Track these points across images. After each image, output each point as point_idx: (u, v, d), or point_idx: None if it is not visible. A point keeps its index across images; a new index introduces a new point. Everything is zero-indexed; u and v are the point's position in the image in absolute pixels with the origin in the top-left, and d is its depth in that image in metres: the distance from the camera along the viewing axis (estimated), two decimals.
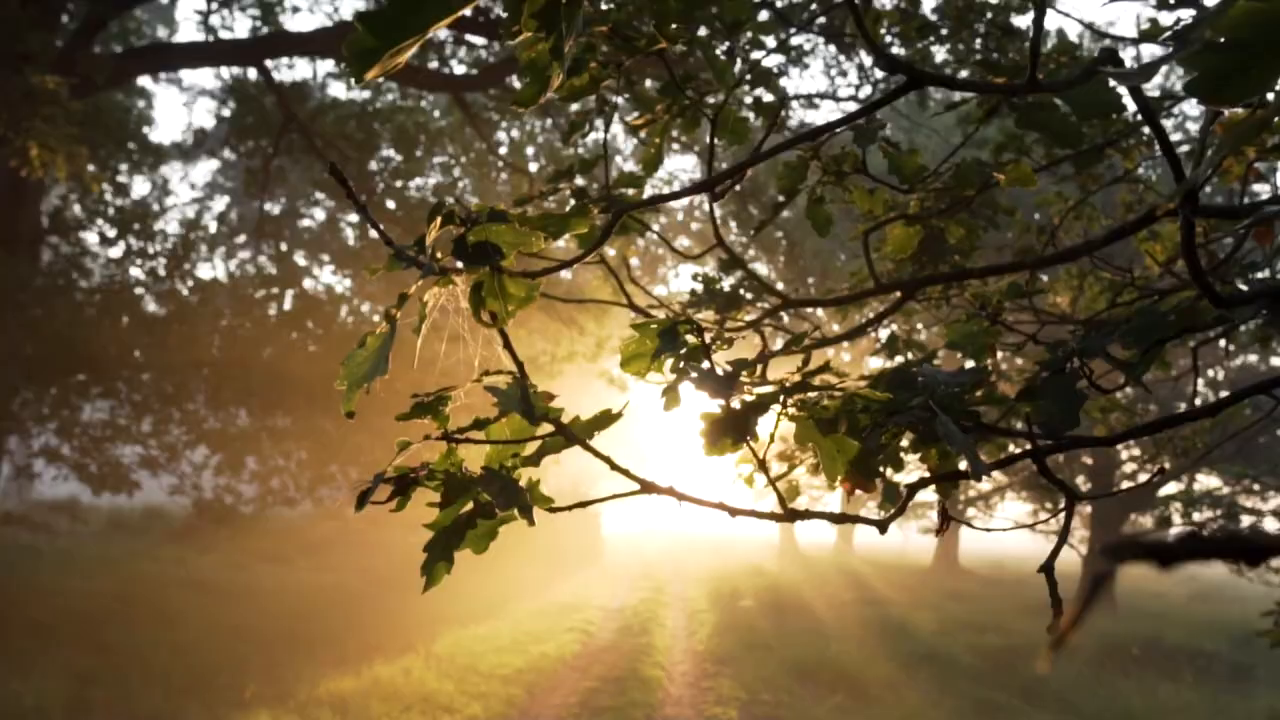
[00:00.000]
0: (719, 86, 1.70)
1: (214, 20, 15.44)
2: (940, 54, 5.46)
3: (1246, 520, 18.97)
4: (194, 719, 7.60)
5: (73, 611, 10.32)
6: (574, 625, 14.15)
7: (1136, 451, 20.89)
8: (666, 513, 65.81)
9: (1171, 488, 20.78)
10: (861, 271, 2.57)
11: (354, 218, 22.32)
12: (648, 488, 1.11)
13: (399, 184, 19.18)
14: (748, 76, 1.89)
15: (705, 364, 1.09)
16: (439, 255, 1.06)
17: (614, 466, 1.13)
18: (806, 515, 1.17)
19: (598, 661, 11.47)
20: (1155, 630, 14.74)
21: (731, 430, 1.06)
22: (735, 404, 1.04)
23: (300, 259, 21.89)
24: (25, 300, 10.22)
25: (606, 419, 1.13)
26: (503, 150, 18.76)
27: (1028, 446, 1.14)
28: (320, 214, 24.25)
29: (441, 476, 1.10)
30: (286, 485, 13.85)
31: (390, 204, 19.04)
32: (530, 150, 19.45)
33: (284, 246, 18.86)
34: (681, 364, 1.11)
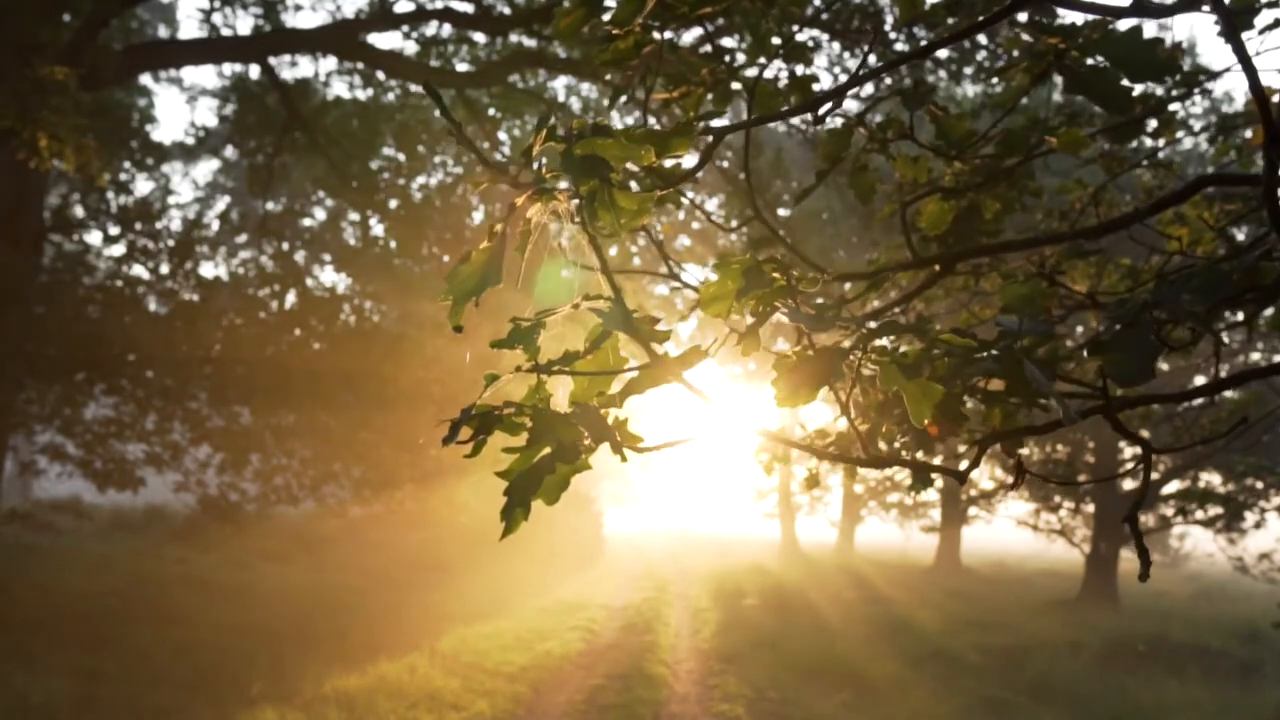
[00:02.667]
0: (752, 61, 1.68)
1: (216, 18, 15.40)
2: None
3: (1250, 518, 18.95)
4: (200, 716, 7.56)
5: (77, 610, 10.29)
6: (578, 623, 14.11)
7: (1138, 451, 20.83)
8: (666, 513, 65.68)
9: (1174, 486, 20.76)
10: (892, 250, 2.55)
11: (354, 216, 22.30)
12: (731, 421, 1.08)
13: (401, 182, 19.15)
14: (780, 51, 1.86)
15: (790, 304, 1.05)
16: (542, 170, 1.03)
17: (704, 399, 1.09)
18: (894, 462, 1.14)
19: (602, 659, 11.44)
20: (1160, 628, 14.72)
21: (814, 375, 1.03)
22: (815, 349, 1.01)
23: (301, 258, 21.87)
24: (29, 297, 10.19)
25: (695, 355, 1.10)
26: (504, 150, 18.73)
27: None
28: (321, 213, 24.25)
29: (530, 412, 1.07)
30: (290, 483, 13.82)
31: (393, 203, 19.02)
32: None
33: (284, 246, 18.83)
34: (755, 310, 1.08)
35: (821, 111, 1.40)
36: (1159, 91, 2.36)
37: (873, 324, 1.03)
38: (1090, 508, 22.24)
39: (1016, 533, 28.38)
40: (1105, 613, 17.92)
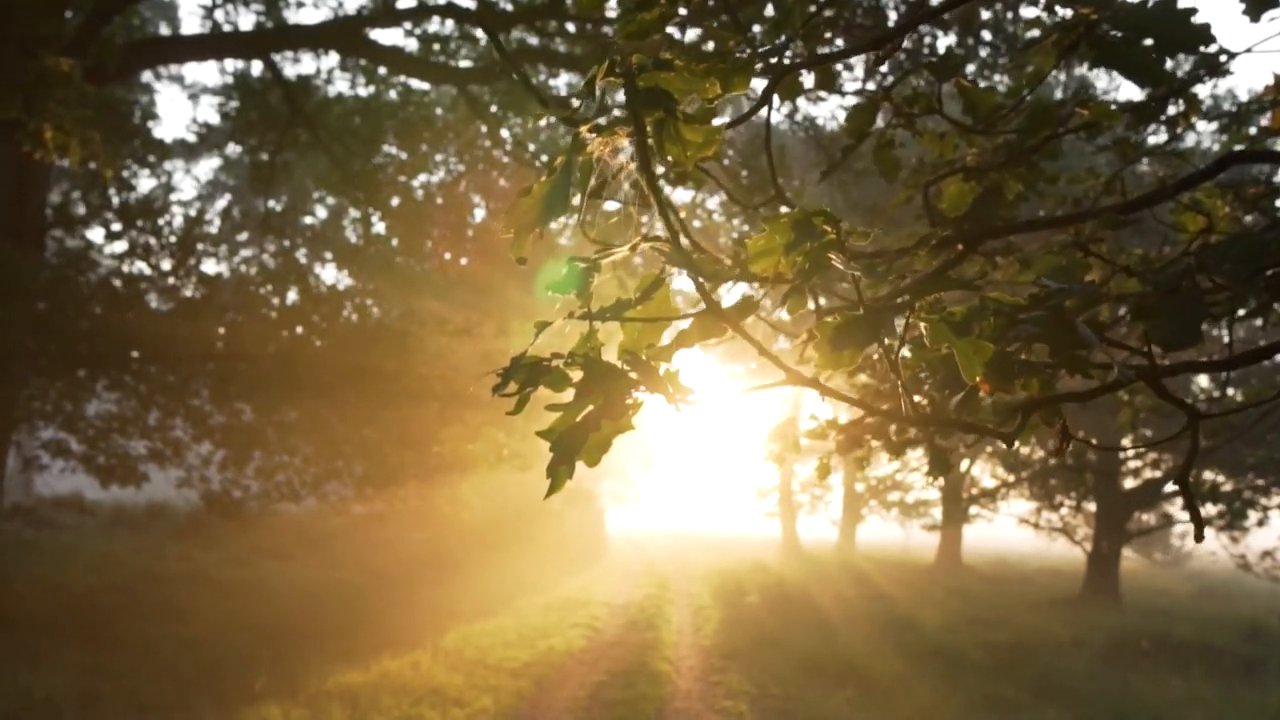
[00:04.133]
0: (770, 40, 1.66)
1: (218, 15, 15.37)
2: None
3: (1253, 515, 18.92)
4: (204, 711, 7.55)
5: (80, 607, 10.28)
6: (580, 621, 14.10)
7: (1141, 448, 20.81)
8: (667, 511, 65.71)
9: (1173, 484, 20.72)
10: (903, 240, 2.53)
11: (356, 214, 22.28)
12: (793, 377, 1.06)
13: (402, 179, 19.13)
14: (801, 30, 1.84)
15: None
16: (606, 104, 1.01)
17: (762, 351, 1.08)
18: (939, 421, 1.12)
19: (605, 656, 11.43)
20: (1163, 626, 14.70)
21: (862, 333, 1.02)
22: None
23: (302, 256, 21.85)
24: (31, 293, 10.18)
25: (749, 305, 1.08)
26: (506, 147, 18.71)
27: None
28: (323, 212, 24.23)
29: (581, 361, 1.05)
30: (292, 481, 13.81)
31: (395, 200, 19.00)
32: (532, 147, 19.39)
33: (286, 244, 18.81)
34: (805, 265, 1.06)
35: (882, 53, 1.38)
36: (1179, 74, 2.34)
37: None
38: (1091, 506, 22.24)
39: (1018, 531, 28.36)
40: (1107, 611, 17.90)
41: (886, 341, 0.99)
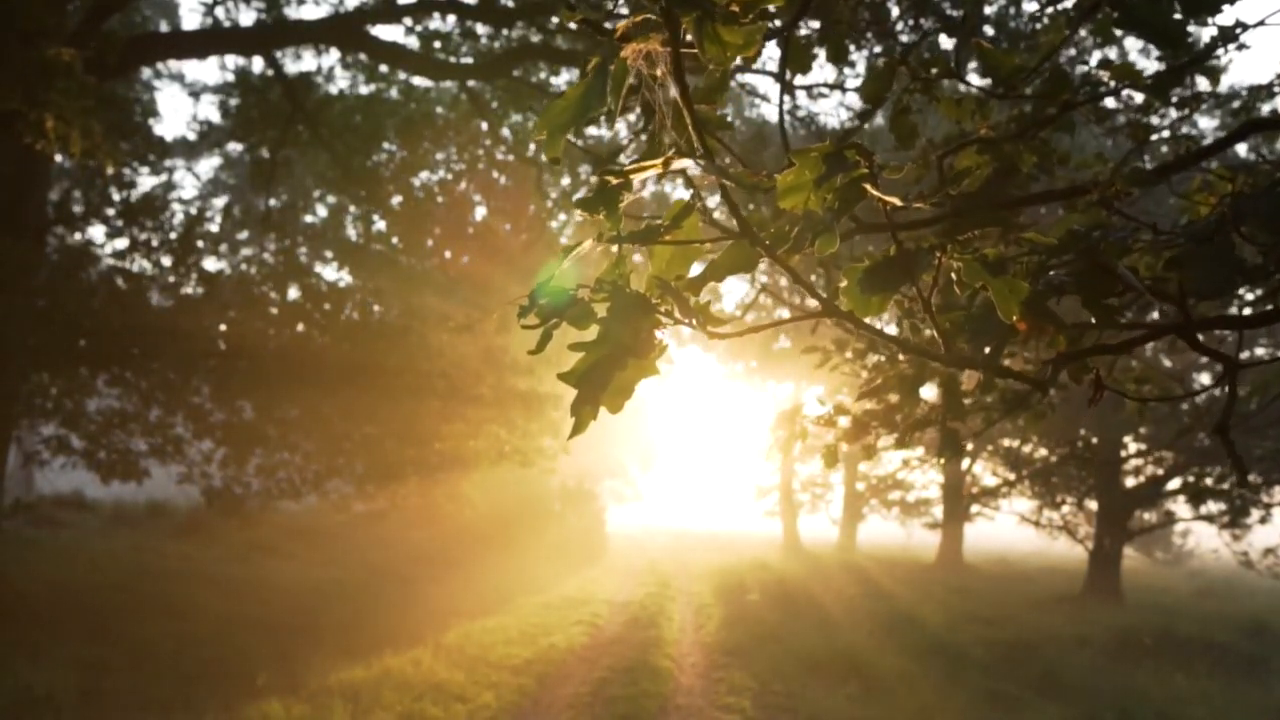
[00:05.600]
0: (785, 13, 1.63)
1: (219, 12, 15.35)
2: None
3: (1255, 513, 18.90)
4: (205, 707, 7.52)
5: (81, 603, 10.25)
6: (581, 618, 14.08)
7: (1143, 445, 20.83)
8: (668, 511, 65.71)
9: (1175, 483, 20.73)
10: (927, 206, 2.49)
11: (355, 212, 22.27)
12: (828, 310, 1.04)
13: (404, 178, 19.11)
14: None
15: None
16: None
17: (797, 278, 1.05)
18: (968, 363, 1.09)
19: (607, 653, 11.40)
20: (1165, 623, 14.67)
21: (894, 273, 0.99)
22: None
23: (303, 255, 21.84)
24: (32, 289, 10.16)
25: (783, 237, 1.05)
26: (506, 148, 18.70)
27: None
28: (323, 210, 24.22)
29: (609, 289, 1.02)
30: (293, 478, 13.78)
31: (396, 199, 18.99)
32: (532, 147, 19.39)
33: (286, 242, 18.79)
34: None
35: None
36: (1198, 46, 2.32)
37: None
38: (1093, 504, 22.22)
39: (1019, 530, 28.34)
40: (1109, 608, 17.88)
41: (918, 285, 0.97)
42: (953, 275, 1.01)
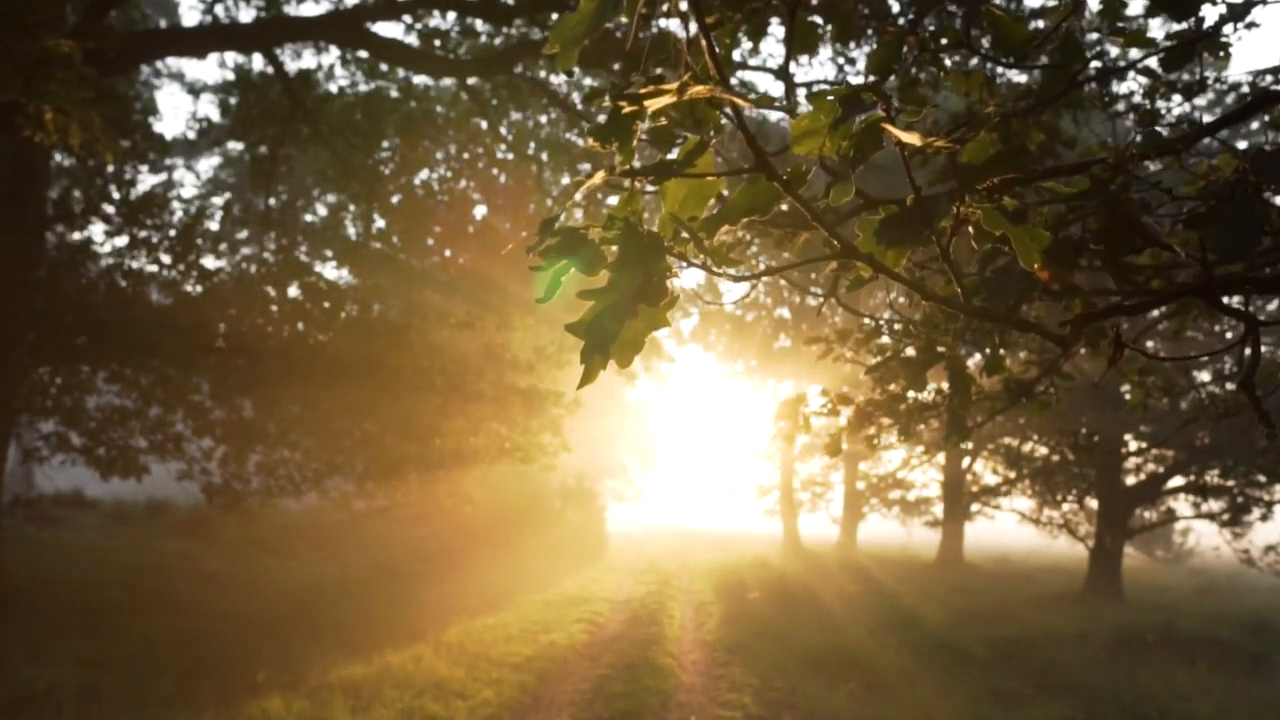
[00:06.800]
0: None
1: (218, 10, 15.32)
2: None
3: (1256, 511, 18.89)
4: (205, 704, 7.50)
5: (81, 601, 10.24)
6: (582, 616, 14.07)
7: (1144, 444, 20.81)
8: (668, 510, 65.68)
9: (1176, 480, 20.72)
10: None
11: (355, 211, 22.23)
12: (848, 251, 1.01)
13: (404, 179, 19.08)
14: None
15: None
16: None
17: (814, 218, 1.02)
18: (990, 315, 1.07)
19: (608, 650, 11.38)
20: (1167, 620, 14.65)
21: (913, 223, 0.97)
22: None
23: (303, 254, 21.81)
24: (31, 285, 10.14)
25: (802, 176, 1.03)
26: (505, 145, 18.67)
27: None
28: (323, 209, 24.19)
29: (620, 226, 0.99)
30: (293, 475, 13.76)
31: (396, 198, 18.96)
32: (533, 145, 19.36)
33: (284, 241, 18.78)
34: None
35: None
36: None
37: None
38: (1093, 503, 22.21)
39: (1019, 529, 28.32)
40: (1110, 606, 17.87)
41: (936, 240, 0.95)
42: (970, 230, 1.00)
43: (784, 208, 1.33)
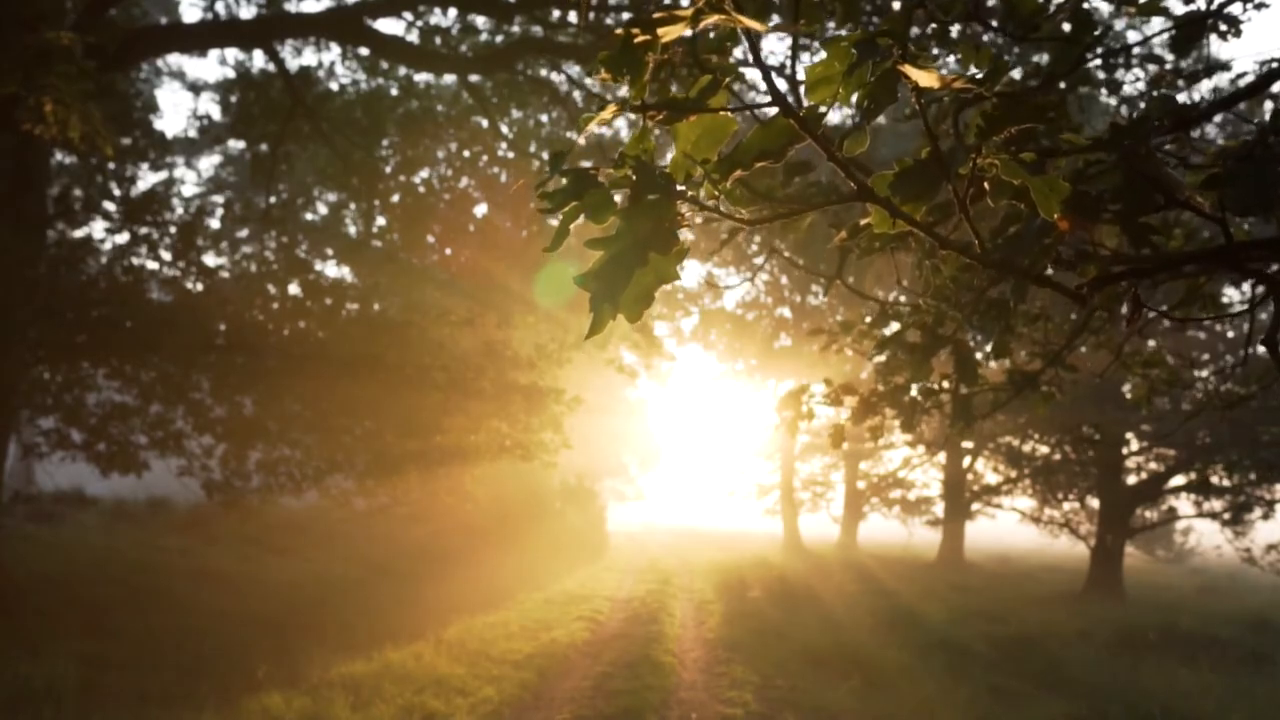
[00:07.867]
0: None
1: (219, 7, 15.31)
2: None
3: (1257, 510, 18.87)
4: (205, 700, 7.49)
5: (81, 598, 10.23)
6: (582, 614, 14.05)
7: (1145, 442, 20.79)
8: (668, 509, 65.65)
9: (1178, 479, 20.70)
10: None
11: (356, 208, 22.23)
12: (864, 192, 0.98)
13: (403, 178, 19.08)
14: None
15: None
16: None
17: (831, 156, 0.98)
18: (1011, 269, 1.05)
19: (608, 648, 11.37)
20: (1168, 619, 14.64)
21: (930, 175, 0.95)
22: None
23: (303, 252, 21.81)
24: (31, 281, 10.13)
25: (817, 116, 1.00)
26: (506, 144, 18.66)
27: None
28: (323, 208, 24.19)
29: (633, 164, 0.96)
30: (293, 473, 13.74)
31: (396, 196, 18.95)
32: (533, 145, 19.35)
33: (285, 239, 18.78)
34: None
35: None
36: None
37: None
38: (1094, 502, 22.20)
39: (1020, 529, 28.30)
40: (1111, 605, 17.85)
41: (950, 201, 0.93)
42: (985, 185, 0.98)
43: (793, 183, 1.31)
